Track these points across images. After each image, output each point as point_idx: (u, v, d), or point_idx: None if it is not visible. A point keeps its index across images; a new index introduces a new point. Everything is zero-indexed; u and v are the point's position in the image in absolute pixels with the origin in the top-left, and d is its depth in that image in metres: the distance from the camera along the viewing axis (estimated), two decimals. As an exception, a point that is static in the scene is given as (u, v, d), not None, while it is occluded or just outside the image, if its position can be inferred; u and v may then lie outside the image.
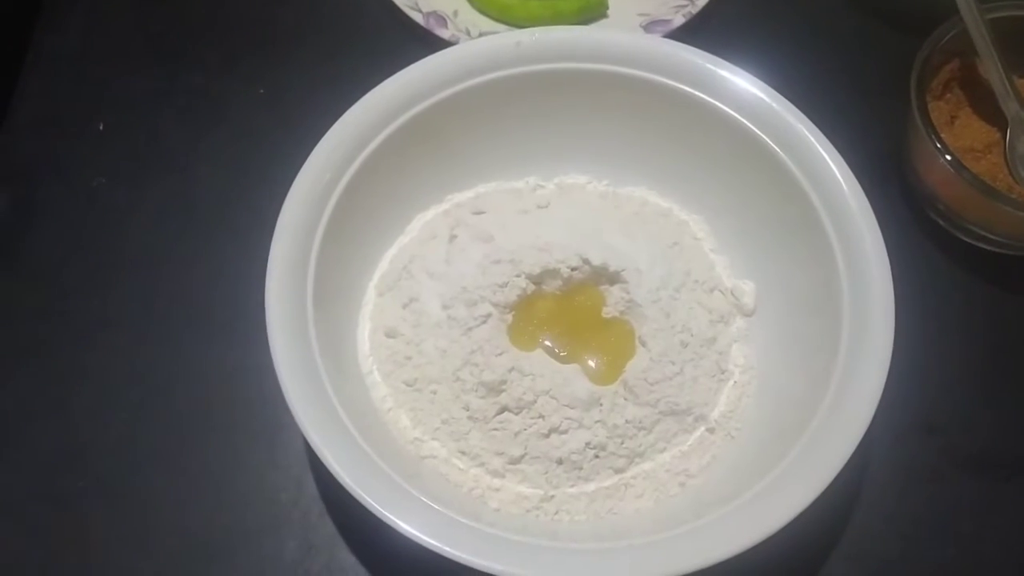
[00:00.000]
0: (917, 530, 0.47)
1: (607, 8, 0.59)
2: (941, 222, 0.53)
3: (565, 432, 0.43)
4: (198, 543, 0.46)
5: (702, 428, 0.45)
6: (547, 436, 0.43)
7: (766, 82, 0.47)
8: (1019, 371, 0.51)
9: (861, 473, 0.47)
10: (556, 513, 0.43)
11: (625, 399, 0.44)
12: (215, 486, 0.47)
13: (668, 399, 0.44)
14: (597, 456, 0.43)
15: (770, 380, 0.46)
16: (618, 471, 0.44)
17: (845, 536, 0.46)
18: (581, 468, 0.43)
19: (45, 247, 0.53)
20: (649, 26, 0.58)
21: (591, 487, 0.43)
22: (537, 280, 0.46)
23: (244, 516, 0.46)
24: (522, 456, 0.43)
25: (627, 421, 0.44)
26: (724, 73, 0.47)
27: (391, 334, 0.47)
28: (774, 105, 0.46)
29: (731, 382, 0.47)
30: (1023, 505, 0.47)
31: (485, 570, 0.37)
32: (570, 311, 0.46)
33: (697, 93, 0.47)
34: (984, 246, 0.52)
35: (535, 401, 0.43)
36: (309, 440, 0.39)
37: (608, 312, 0.46)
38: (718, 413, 0.45)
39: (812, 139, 0.45)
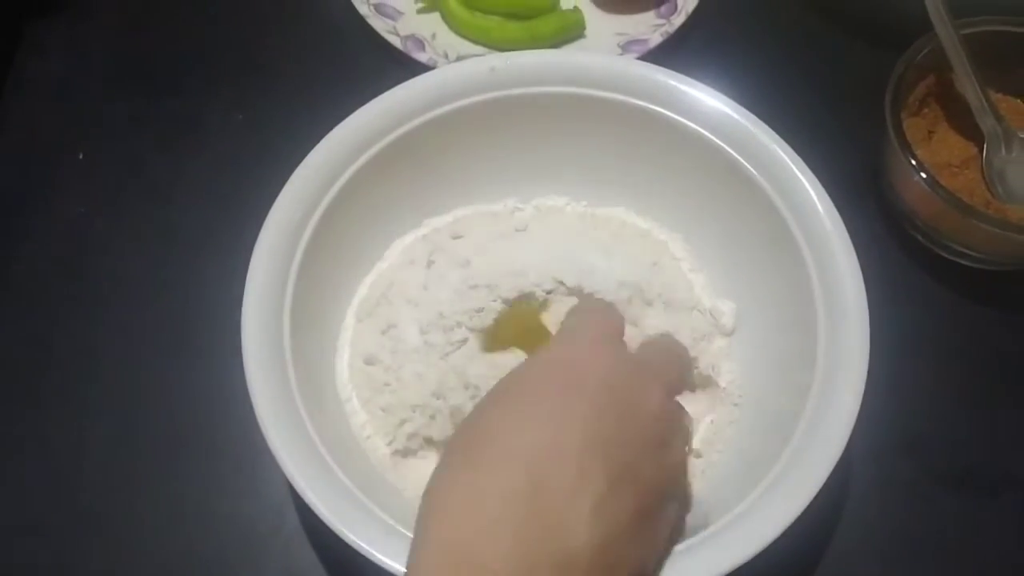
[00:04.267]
0: (899, 549, 0.47)
1: (584, 28, 0.59)
2: (919, 238, 0.53)
3: (542, 457, 0.43)
4: (179, 573, 0.46)
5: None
6: (525, 462, 0.43)
7: (744, 100, 0.47)
8: (998, 387, 0.51)
9: (841, 493, 0.47)
10: (535, 539, 0.43)
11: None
12: (195, 515, 0.47)
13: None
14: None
15: (750, 401, 0.46)
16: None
17: (826, 557, 0.46)
18: (559, 493, 0.43)
19: (25, 276, 0.53)
20: (627, 46, 0.58)
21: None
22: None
23: (224, 546, 0.46)
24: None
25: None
26: (696, 93, 0.47)
27: (370, 361, 0.46)
28: (748, 125, 0.46)
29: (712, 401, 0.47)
30: (1005, 522, 0.47)
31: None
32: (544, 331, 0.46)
33: (670, 114, 0.47)
34: (963, 262, 0.52)
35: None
36: (286, 473, 0.39)
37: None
38: (698, 438, 0.45)
39: (786, 159, 0.45)
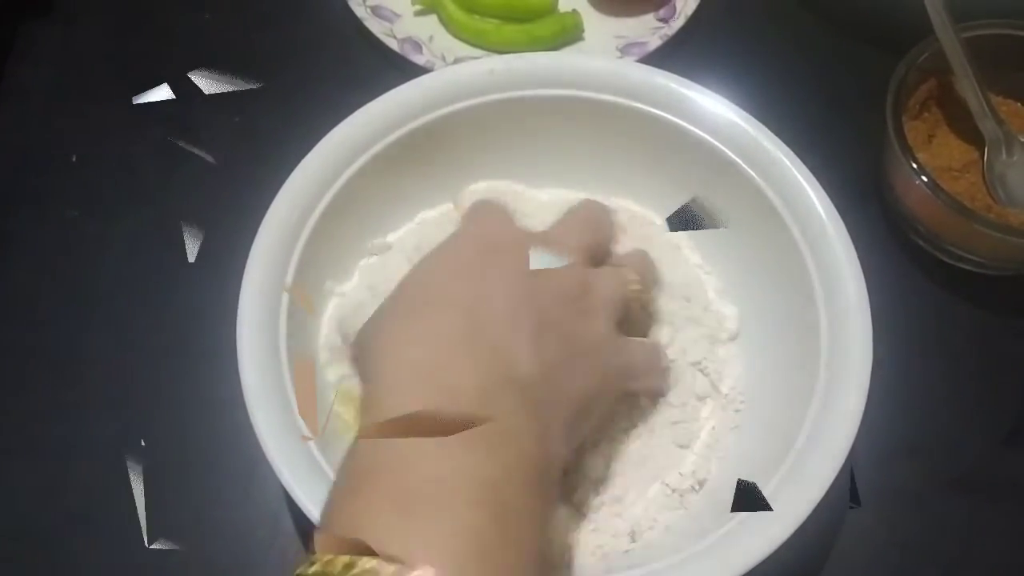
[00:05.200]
0: (902, 556, 0.46)
1: (583, 31, 0.59)
2: (921, 242, 0.53)
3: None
4: (173, 581, 0.45)
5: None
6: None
7: (743, 103, 0.47)
8: (1002, 392, 0.50)
9: (844, 499, 0.47)
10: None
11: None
12: (191, 522, 0.46)
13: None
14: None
15: (751, 407, 0.46)
16: (597, 503, 0.43)
17: (829, 563, 0.45)
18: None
19: (18, 279, 0.53)
20: (626, 48, 0.58)
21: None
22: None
23: (220, 553, 0.46)
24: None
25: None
26: (696, 96, 0.47)
27: (367, 365, 0.46)
28: (748, 128, 0.46)
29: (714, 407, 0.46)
30: (1009, 528, 0.47)
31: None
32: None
33: (670, 117, 0.47)
34: (965, 266, 0.52)
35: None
36: (282, 480, 0.38)
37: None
38: (701, 443, 0.45)
39: (787, 162, 0.45)
